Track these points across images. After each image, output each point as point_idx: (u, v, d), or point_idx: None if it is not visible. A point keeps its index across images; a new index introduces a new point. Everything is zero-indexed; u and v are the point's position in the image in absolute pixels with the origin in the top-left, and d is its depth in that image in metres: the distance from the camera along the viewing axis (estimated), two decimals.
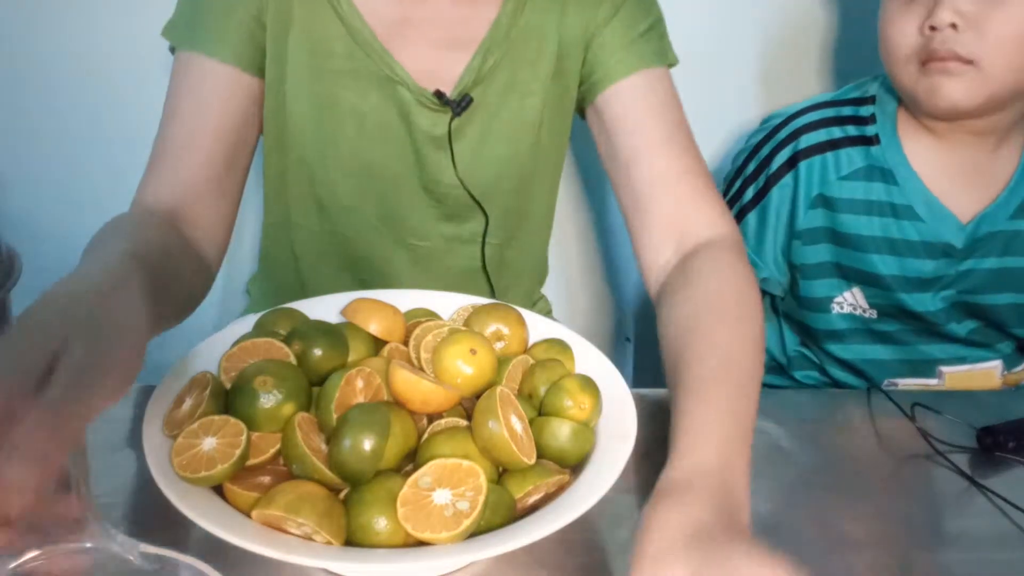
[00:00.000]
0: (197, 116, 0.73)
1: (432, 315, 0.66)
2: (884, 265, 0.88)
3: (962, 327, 0.91)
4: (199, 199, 0.72)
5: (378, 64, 0.77)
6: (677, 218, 0.73)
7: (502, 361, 0.59)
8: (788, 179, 0.90)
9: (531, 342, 0.64)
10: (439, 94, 0.77)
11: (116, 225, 0.63)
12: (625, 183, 0.77)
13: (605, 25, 0.80)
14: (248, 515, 0.47)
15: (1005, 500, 0.64)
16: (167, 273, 0.58)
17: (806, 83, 1.12)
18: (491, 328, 0.63)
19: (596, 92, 0.80)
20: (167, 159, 0.73)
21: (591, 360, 0.62)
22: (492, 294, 0.89)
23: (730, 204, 0.96)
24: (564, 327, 0.66)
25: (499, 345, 0.62)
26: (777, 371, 1.05)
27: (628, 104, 0.78)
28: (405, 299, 0.67)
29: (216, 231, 0.74)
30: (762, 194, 0.92)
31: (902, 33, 0.81)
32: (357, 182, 0.82)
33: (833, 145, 0.89)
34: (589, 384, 0.56)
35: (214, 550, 0.53)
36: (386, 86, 0.78)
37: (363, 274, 0.86)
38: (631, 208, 0.77)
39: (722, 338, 0.60)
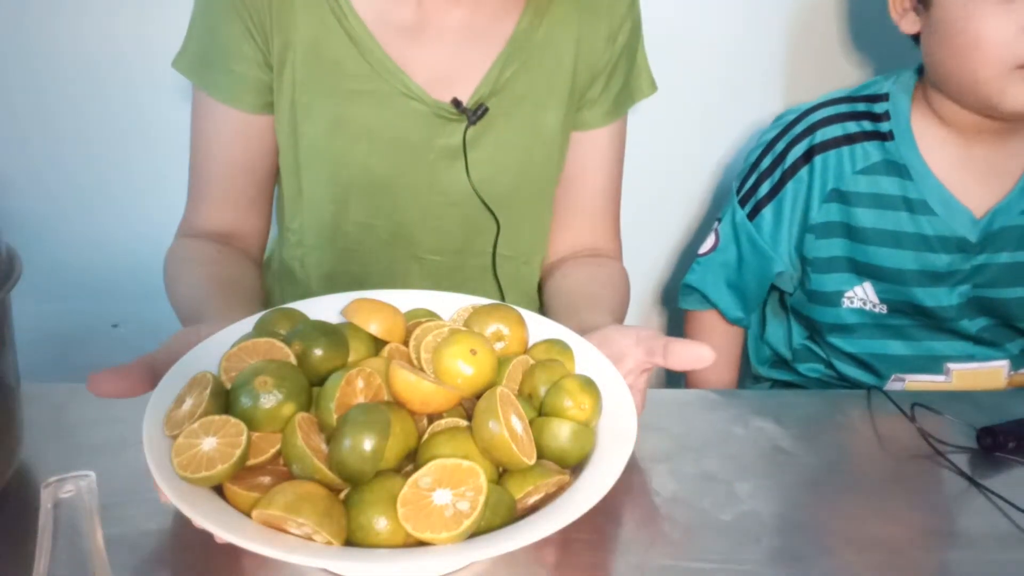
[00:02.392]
0: (222, 155, 0.82)
1: (432, 315, 0.66)
2: (897, 259, 0.88)
3: (973, 324, 0.91)
4: (240, 220, 0.84)
5: (391, 82, 0.77)
6: (596, 231, 0.91)
7: (502, 361, 0.59)
8: (803, 173, 0.90)
9: (531, 342, 0.64)
10: (456, 102, 0.78)
11: (188, 256, 0.80)
12: (563, 184, 0.89)
13: (607, 69, 0.85)
14: (248, 515, 0.47)
15: (1005, 500, 0.64)
16: (236, 281, 0.77)
17: (825, 80, 1.12)
18: (491, 328, 0.63)
19: (575, 126, 0.86)
20: (205, 193, 0.83)
21: (591, 360, 0.62)
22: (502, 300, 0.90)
23: (744, 200, 0.97)
24: (564, 327, 0.66)
25: (499, 345, 0.62)
26: (781, 365, 1.05)
27: (591, 150, 0.88)
28: (405, 299, 0.67)
29: (257, 239, 0.87)
30: (777, 189, 0.93)
31: (999, 33, 0.78)
32: (370, 198, 0.82)
33: (849, 139, 0.89)
34: (589, 384, 0.56)
35: (214, 550, 0.53)
36: (401, 102, 0.78)
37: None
38: (563, 201, 0.90)
39: (616, 292, 0.85)
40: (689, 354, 0.59)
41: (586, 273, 0.87)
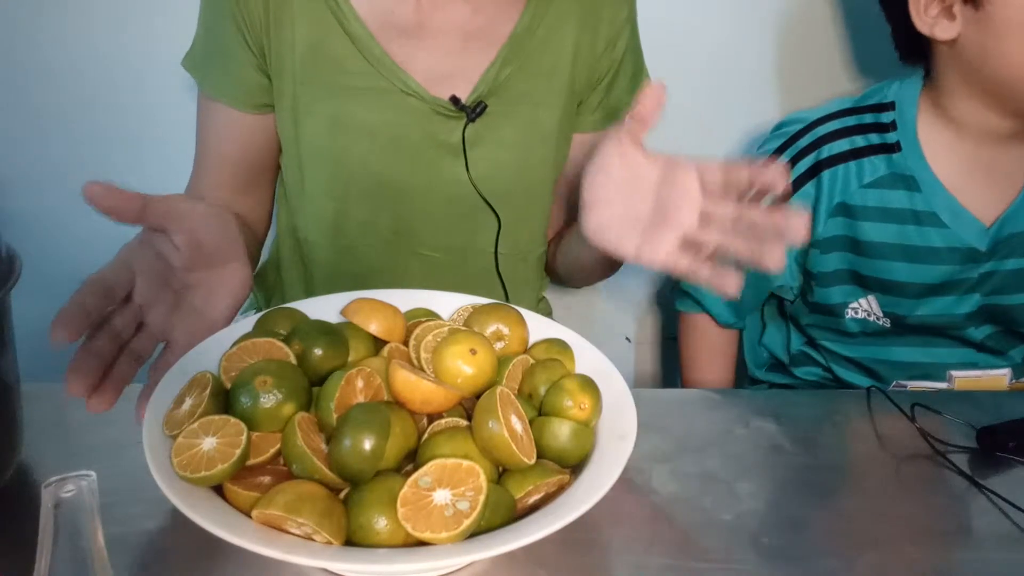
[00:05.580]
0: (215, 147, 0.84)
1: (432, 315, 0.66)
2: (904, 272, 0.87)
3: (979, 332, 0.90)
4: (235, 201, 0.85)
5: (390, 80, 0.78)
6: None
7: (502, 361, 0.59)
8: (809, 188, 0.89)
9: (531, 342, 0.64)
10: (455, 99, 0.79)
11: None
12: (574, 181, 0.89)
13: (609, 76, 0.86)
14: (248, 515, 0.47)
15: (1005, 500, 0.64)
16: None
17: (820, 86, 1.12)
18: (491, 328, 0.63)
19: (577, 128, 0.88)
20: (203, 176, 0.85)
21: (591, 360, 0.62)
22: (506, 300, 0.90)
23: None
24: (564, 327, 0.66)
25: (499, 345, 0.62)
26: (778, 369, 1.05)
27: (586, 151, 0.87)
28: (405, 299, 0.67)
29: (256, 224, 0.88)
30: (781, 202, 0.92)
31: None
32: (371, 196, 0.82)
33: (856, 154, 0.87)
34: (589, 384, 0.56)
35: (214, 550, 0.53)
36: (400, 100, 0.79)
37: (376, 288, 0.87)
38: (564, 192, 0.91)
39: None
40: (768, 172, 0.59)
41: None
